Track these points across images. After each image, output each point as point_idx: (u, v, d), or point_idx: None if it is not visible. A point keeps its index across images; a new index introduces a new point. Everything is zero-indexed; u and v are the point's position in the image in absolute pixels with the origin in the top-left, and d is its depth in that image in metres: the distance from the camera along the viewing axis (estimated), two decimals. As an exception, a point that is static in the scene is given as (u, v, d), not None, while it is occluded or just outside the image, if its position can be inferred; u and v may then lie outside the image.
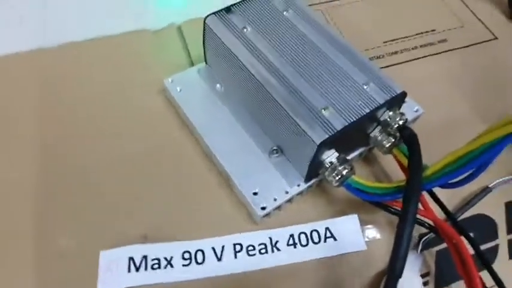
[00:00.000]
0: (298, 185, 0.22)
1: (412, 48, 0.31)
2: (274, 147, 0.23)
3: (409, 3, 0.34)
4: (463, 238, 0.19)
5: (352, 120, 0.20)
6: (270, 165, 0.23)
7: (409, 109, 0.24)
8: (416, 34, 0.32)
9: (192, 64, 0.28)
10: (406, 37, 0.32)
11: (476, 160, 0.17)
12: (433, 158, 0.20)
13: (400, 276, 0.16)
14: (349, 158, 0.22)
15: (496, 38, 0.32)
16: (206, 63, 0.26)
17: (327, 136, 0.19)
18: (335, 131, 0.19)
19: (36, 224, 0.21)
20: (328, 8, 0.33)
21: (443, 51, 0.31)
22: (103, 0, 0.32)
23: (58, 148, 0.24)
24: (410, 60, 0.30)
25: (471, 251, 0.19)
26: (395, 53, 0.30)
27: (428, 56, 0.30)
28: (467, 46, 0.31)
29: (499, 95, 0.29)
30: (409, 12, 0.33)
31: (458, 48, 0.31)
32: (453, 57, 0.31)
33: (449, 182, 0.19)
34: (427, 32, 0.32)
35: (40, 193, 0.23)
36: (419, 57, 0.30)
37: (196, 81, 0.26)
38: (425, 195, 0.21)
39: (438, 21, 0.33)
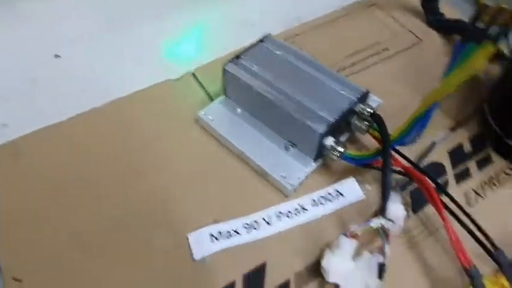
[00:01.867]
0: (311, 165, 0.32)
1: (365, 58, 0.42)
2: (290, 144, 0.33)
3: (351, 25, 0.46)
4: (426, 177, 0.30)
5: (339, 115, 0.30)
6: (288, 156, 0.33)
7: (373, 102, 0.35)
8: (366, 47, 0.43)
9: (211, 99, 0.38)
10: (358, 51, 0.43)
11: (418, 123, 0.28)
12: (393, 129, 0.30)
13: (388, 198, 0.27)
14: (341, 140, 0.32)
15: (421, 40, 0.44)
16: (226, 95, 0.36)
17: (325, 127, 0.29)
18: (330, 123, 0.30)
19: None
20: (295, 41, 0.44)
21: (387, 57, 0.42)
22: (123, 61, 0.41)
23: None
24: (366, 68, 0.41)
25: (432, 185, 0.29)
26: (354, 64, 0.42)
27: (378, 62, 0.42)
28: (402, 50, 0.43)
29: (431, 82, 0.40)
30: (355, 31, 0.45)
31: (397, 53, 0.43)
32: (395, 60, 0.42)
33: (405, 141, 0.30)
34: (372, 44, 0.44)
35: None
36: (371, 65, 0.42)
37: (221, 110, 0.36)
38: (395, 154, 0.31)
39: (378, 35, 0.45)
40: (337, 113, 0.30)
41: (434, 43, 0.44)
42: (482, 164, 0.34)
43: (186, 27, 0.45)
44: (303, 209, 0.32)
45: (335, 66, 0.41)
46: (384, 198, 0.28)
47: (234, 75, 0.33)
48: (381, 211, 0.27)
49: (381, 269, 0.26)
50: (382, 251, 0.27)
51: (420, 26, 0.46)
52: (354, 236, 0.27)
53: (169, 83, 0.40)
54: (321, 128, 0.29)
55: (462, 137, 0.36)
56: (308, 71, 0.33)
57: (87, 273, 0.28)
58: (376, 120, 0.31)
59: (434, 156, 0.35)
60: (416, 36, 0.45)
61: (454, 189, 0.33)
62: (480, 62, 0.26)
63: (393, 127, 0.31)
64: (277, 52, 0.35)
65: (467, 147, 0.35)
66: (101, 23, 0.45)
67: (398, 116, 0.32)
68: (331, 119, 0.30)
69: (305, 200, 0.32)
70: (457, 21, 0.43)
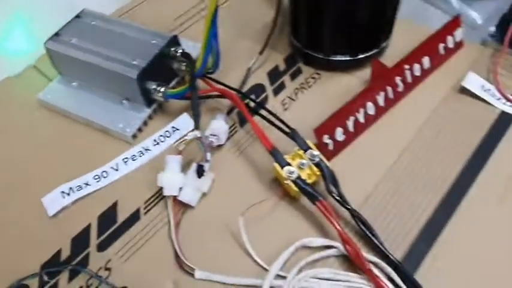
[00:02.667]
0: (145, 111, 0.36)
1: (190, 17, 0.47)
2: (124, 99, 0.37)
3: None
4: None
5: (150, 59, 0.34)
6: (125, 110, 0.37)
7: (188, 46, 0.39)
8: (189, 8, 0.48)
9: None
10: (183, 13, 0.47)
11: (208, 45, 0.33)
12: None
13: (199, 116, 0.32)
14: (170, 84, 0.37)
15: None
16: (60, 74, 0.39)
17: (138, 71, 0.33)
18: (142, 67, 0.34)
19: None
20: (133, 12, 0.48)
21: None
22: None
23: None
24: (192, 24, 0.46)
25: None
26: (182, 24, 0.46)
27: (202, 17, 0.46)
28: (224, 2, 0.48)
29: (252, 26, 0.46)
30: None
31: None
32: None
33: (204, 67, 0.34)
34: (195, 5, 0.48)
35: None
36: (196, 21, 0.46)
37: (58, 87, 0.39)
38: (212, 82, 0.36)
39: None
40: (148, 58, 0.34)
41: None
42: (295, 75, 0.40)
43: (11, 23, 0.46)
44: (146, 150, 0.35)
45: (167, 28, 0.45)
46: (195, 116, 0.32)
47: (56, 52, 0.36)
48: (196, 126, 0.32)
49: (199, 170, 0.31)
50: (205, 159, 0.32)
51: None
52: (178, 152, 0.31)
53: (9, 80, 0.42)
54: (135, 73, 0.33)
55: (278, 60, 0.42)
56: (122, 32, 0.37)
57: None
58: (186, 57, 0.35)
59: (255, 80, 0.40)
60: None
61: (273, 100, 0.39)
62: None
63: (225, 68, 0.37)
64: (93, 23, 0.38)
65: (282, 66, 0.41)
66: None
67: (228, 57, 0.38)
68: (143, 64, 0.34)
69: (147, 142, 0.36)
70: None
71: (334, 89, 0.39)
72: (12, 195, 0.34)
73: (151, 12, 0.48)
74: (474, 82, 0.37)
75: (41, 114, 0.38)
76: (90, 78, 0.37)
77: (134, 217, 0.32)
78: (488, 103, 0.36)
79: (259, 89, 0.40)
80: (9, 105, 0.40)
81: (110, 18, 0.39)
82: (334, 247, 0.29)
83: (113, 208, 0.32)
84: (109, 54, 0.35)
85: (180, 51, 0.36)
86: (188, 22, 0.46)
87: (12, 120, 0.39)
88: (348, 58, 0.38)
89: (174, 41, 0.37)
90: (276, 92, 0.39)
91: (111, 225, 0.31)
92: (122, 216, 0.32)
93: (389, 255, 0.28)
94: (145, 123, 0.37)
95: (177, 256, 0.29)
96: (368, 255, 0.28)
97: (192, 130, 0.32)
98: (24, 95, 0.40)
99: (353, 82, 0.39)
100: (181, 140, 0.31)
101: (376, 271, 0.27)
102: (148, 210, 0.32)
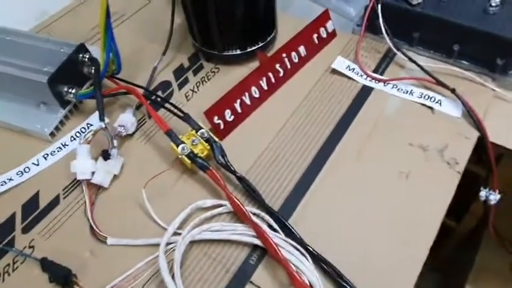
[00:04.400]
0: (60, 112, 0.41)
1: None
2: (40, 102, 0.41)
3: (89, 8, 0.55)
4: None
5: (59, 65, 0.39)
6: (41, 112, 0.41)
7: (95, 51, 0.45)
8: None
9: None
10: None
11: (107, 50, 0.38)
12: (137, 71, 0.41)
13: (103, 110, 0.37)
14: (84, 87, 0.42)
15: (149, 1, 0.55)
16: (-19, 86, 0.43)
17: (48, 76, 0.38)
18: (51, 72, 0.39)
19: None
20: (52, 27, 0.52)
21: (126, 19, 0.53)
22: None
23: None
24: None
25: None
26: (98, 32, 0.51)
27: (119, 25, 0.52)
28: (136, 12, 0.54)
29: (160, 32, 0.51)
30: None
31: (132, 15, 0.53)
32: (132, 20, 0.53)
33: (106, 69, 0.40)
34: (113, 13, 0.53)
35: None
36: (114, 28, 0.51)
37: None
38: (120, 82, 0.42)
39: (115, 5, 0.54)
40: (57, 64, 0.39)
41: (161, 1, 0.56)
42: (197, 71, 0.47)
43: None
44: (65, 145, 0.40)
45: (84, 38, 0.50)
46: (99, 109, 0.38)
47: (-28, 65, 0.40)
48: (101, 119, 0.37)
49: (104, 154, 0.36)
50: (111, 145, 0.37)
51: None
52: (87, 142, 0.37)
53: None
54: (45, 78, 0.38)
55: (183, 59, 0.48)
56: (34, 44, 0.42)
57: None
58: (91, 61, 0.41)
59: (162, 78, 0.46)
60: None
61: (177, 94, 0.45)
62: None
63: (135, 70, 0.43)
64: (8, 38, 0.42)
65: (186, 64, 0.47)
66: None
67: (137, 60, 0.44)
68: (52, 70, 0.39)
69: (65, 138, 0.41)
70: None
71: (230, 79, 0.45)
72: None
73: (68, 25, 0.53)
74: (341, 64, 0.44)
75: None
76: (8, 87, 0.41)
77: (54, 202, 0.36)
78: (353, 79, 0.44)
79: (166, 85, 0.45)
80: None
81: (23, 33, 0.44)
82: (223, 205, 0.35)
83: (35, 197, 0.37)
84: (22, 64, 0.40)
85: (87, 56, 0.41)
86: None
87: None
88: (239, 52, 0.45)
89: (82, 49, 0.42)
90: (181, 86, 0.45)
91: (34, 211, 0.36)
92: (43, 203, 0.37)
93: (268, 207, 0.34)
94: (61, 123, 0.41)
95: (91, 229, 0.34)
96: (251, 208, 0.35)
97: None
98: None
99: (246, 72, 0.45)
100: (89, 132, 0.36)
101: (257, 220, 0.34)
102: (67, 195, 0.37)
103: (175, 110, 0.39)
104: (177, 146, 0.36)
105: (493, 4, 0.41)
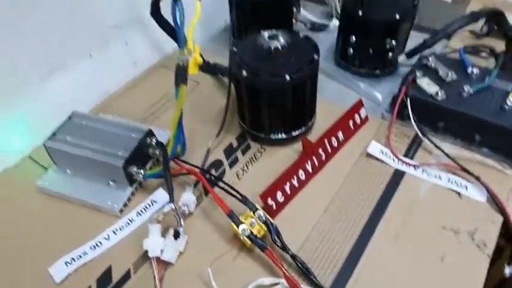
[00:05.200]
0: (128, 189, 0.46)
1: (160, 107, 0.58)
2: (111, 181, 0.46)
3: (146, 86, 0.62)
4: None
5: (132, 150, 0.45)
6: (111, 189, 0.46)
7: (160, 135, 0.50)
8: (159, 99, 0.59)
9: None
10: (154, 103, 0.59)
11: (177, 138, 0.44)
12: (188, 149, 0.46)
13: (173, 191, 0.42)
14: (147, 166, 0.47)
15: (199, 83, 0.62)
16: (55, 164, 0.48)
17: (122, 161, 0.44)
18: (126, 157, 0.44)
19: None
20: (105, 109, 0.58)
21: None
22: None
23: None
24: (163, 112, 0.57)
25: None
26: (153, 113, 0.57)
27: (171, 106, 0.58)
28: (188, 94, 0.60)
29: (211, 113, 0.58)
30: (150, 89, 0.61)
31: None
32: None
33: (174, 151, 0.45)
34: (163, 96, 0.60)
35: None
36: (165, 110, 0.58)
37: (54, 175, 0.48)
38: (181, 163, 0.47)
39: (166, 88, 0.61)
40: (130, 149, 0.45)
41: (209, 83, 0.63)
42: (245, 150, 0.52)
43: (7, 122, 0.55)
44: (131, 221, 0.45)
45: (139, 118, 0.56)
46: (170, 191, 0.43)
47: (54, 148, 0.46)
48: (170, 200, 0.42)
49: (175, 234, 0.40)
50: (179, 225, 0.41)
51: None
52: (158, 221, 0.41)
53: (9, 170, 0.50)
54: (120, 163, 0.43)
55: (231, 139, 0.54)
56: (107, 128, 0.48)
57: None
58: (159, 146, 0.46)
59: (214, 157, 0.51)
60: (195, 81, 0.62)
61: (229, 172, 0.50)
62: (182, 99, 0.43)
63: (189, 150, 0.49)
64: (83, 122, 0.48)
65: (235, 144, 0.53)
66: None
67: (193, 139, 0.49)
68: (126, 155, 0.44)
69: (131, 214, 0.45)
70: (215, 64, 0.62)
71: (276, 160, 0.50)
72: (22, 268, 0.41)
73: (126, 104, 0.59)
74: (375, 148, 0.50)
75: (40, 198, 0.47)
76: (83, 167, 0.47)
77: (126, 276, 0.40)
78: (386, 163, 0.49)
79: (218, 164, 0.51)
80: (12, 193, 0.48)
81: (95, 117, 0.49)
82: (280, 284, 0.39)
83: (108, 271, 0.41)
84: (98, 148, 0.45)
85: (154, 141, 0.47)
86: (159, 112, 0.58)
87: (15, 205, 0.47)
88: (284, 136, 0.51)
89: (150, 133, 0.47)
90: (231, 165, 0.50)
91: (107, 284, 0.40)
92: (115, 277, 0.40)
93: (321, 285, 0.38)
94: (129, 199, 0.46)
95: (162, 305, 0.38)
96: (305, 286, 0.38)
97: (168, 203, 0.42)
98: (23, 182, 0.49)
99: (290, 153, 0.51)
100: (160, 212, 0.41)
101: (311, 298, 0.38)
102: (137, 270, 0.41)
103: (234, 192, 0.44)
104: (237, 226, 0.41)
105: (509, 102, 0.47)
